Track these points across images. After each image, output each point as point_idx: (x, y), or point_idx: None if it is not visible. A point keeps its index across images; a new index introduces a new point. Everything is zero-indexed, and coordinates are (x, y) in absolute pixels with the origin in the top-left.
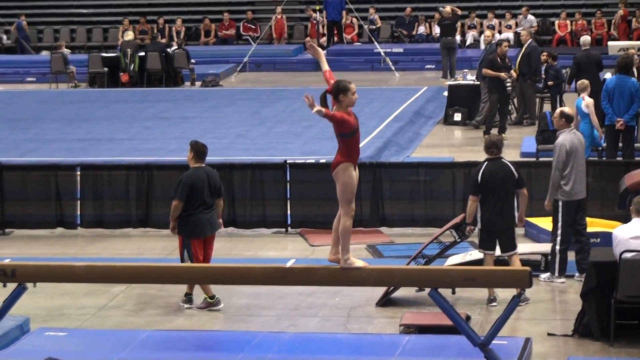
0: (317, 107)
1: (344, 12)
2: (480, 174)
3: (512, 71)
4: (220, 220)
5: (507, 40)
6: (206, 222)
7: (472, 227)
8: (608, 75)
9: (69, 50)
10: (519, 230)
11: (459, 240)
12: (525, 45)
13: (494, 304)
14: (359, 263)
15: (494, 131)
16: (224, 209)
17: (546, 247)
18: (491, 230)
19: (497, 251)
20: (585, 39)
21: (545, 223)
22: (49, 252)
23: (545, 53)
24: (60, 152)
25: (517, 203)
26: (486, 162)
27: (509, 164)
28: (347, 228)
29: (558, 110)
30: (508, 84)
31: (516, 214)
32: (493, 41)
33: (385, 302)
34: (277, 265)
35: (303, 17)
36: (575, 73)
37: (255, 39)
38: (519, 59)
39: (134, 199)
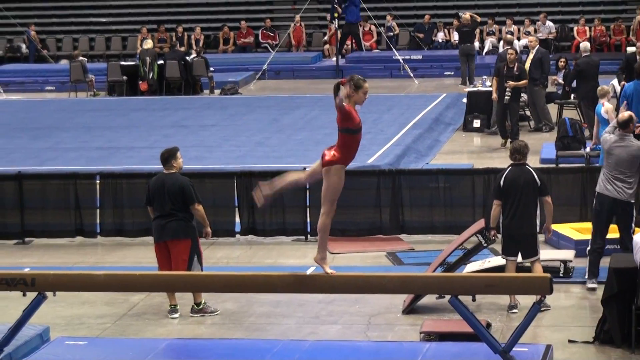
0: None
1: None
2: (502, 179)
3: (509, 81)
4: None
5: (514, 48)
6: None
7: (495, 231)
8: (615, 81)
9: (85, 59)
10: (540, 237)
11: (485, 245)
12: (534, 50)
13: (514, 310)
14: (329, 270)
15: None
16: (243, 216)
17: (566, 254)
18: (512, 235)
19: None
20: (585, 45)
21: (565, 229)
22: (69, 261)
23: (562, 59)
24: (80, 161)
25: (543, 212)
26: (510, 167)
27: (532, 170)
28: (326, 226)
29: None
30: (507, 94)
31: (538, 222)
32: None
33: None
34: (297, 273)
35: (322, 25)
36: (574, 78)
37: (273, 46)
38: (528, 65)
39: None
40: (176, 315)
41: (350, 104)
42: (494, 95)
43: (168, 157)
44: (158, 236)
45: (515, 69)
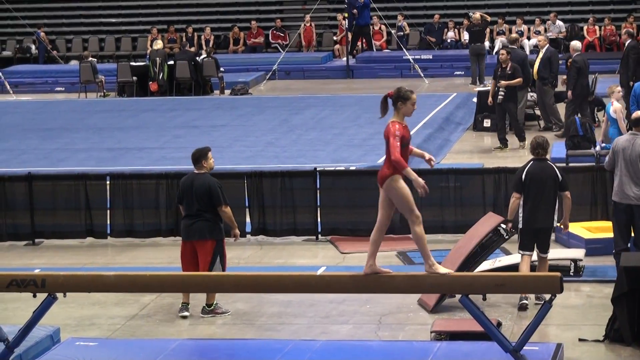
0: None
1: (375, 19)
2: (524, 172)
3: (501, 81)
4: None
5: (505, 47)
6: None
7: (512, 223)
8: None
9: (95, 59)
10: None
11: (507, 237)
12: (543, 50)
13: (524, 302)
14: (443, 270)
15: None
16: (254, 216)
17: (576, 253)
18: (531, 230)
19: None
20: (576, 44)
21: (575, 228)
22: (79, 262)
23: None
24: (90, 162)
25: (561, 207)
26: (531, 162)
27: (554, 166)
28: (419, 235)
29: None
30: (500, 94)
31: (555, 218)
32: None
33: (417, 308)
34: (307, 273)
35: (332, 25)
36: (575, 76)
37: (284, 46)
38: (537, 64)
39: (164, 208)
40: (186, 313)
41: (399, 117)
42: (489, 99)
43: (199, 157)
44: (185, 235)
45: (508, 68)
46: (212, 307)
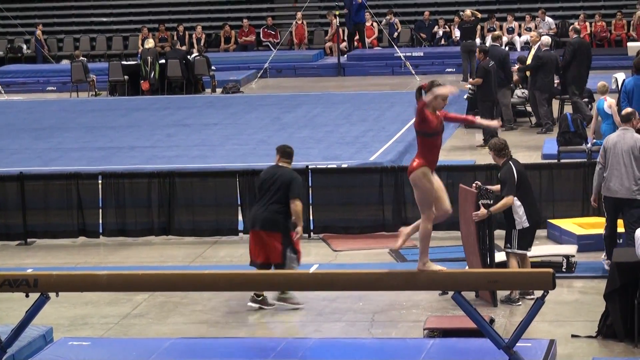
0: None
1: (367, 15)
2: (516, 174)
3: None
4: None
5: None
6: None
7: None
8: (621, 75)
9: (86, 59)
10: (542, 232)
11: (490, 195)
12: (535, 46)
13: (531, 297)
14: (436, 267)
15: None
16: (246, 215)
17: (568, 249)
18: (536, 224)
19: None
20: (547, 39)
21: (567, 224)
22: (72, 262)
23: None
24: (82, 161)
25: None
26: (512, 162)
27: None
28: (427, 232)
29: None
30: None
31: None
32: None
33: (410, 305)
34: (300, 271)
35: (323, 23)
36: (536, 68)
37: (275, 44)
38: (529, 61)
39: (156, 207)
40: (255, 305)
41: (429, 109)
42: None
43: (284, 150)
44: (252, 224)
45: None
46: (262, 298)
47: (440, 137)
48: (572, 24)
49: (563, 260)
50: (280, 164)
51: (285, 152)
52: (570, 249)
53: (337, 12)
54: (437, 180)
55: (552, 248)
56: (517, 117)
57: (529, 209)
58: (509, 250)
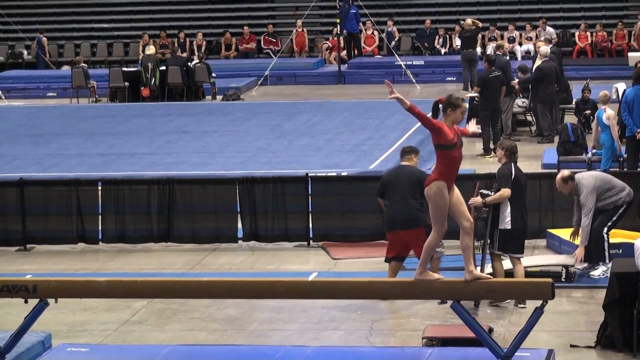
0: (396, 94)
1: (361, 24)
2: (513, 173)
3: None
4: None
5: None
6: None
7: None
8: (622, 86)
9: (87, 65)
10: (541, 242)
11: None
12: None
13: (523, 305)
14: (434, 276)
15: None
16: (245, 222)
17: (567, 259)
18: (523, 230)
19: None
20: (546, 49)
21: (567, 234)
22: (71, 268)
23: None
24: (82, 167)
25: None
26: (513, 164)
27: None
28: (433, 245)
29: None
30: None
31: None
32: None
33: (408, 314)
34: (299, 279)
35: (324, 30)
36: (537, 80)
37: (276, 52)
38: (535, 70)
39: (156, 214)
40: None
41: (447, 123)
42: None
43: (410, 151)
44: (390, 226)
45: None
46: None
47: (458, 150)
48: (573, 33)
49: (562, 270)
50: (403, 164)
51: (406, 151)
52: (570, 259)
53: (337, 20)
54: (456, 195)
55: (551, 258)
56: (517, 126)
57: (515, 213)
58: (491, 250)
